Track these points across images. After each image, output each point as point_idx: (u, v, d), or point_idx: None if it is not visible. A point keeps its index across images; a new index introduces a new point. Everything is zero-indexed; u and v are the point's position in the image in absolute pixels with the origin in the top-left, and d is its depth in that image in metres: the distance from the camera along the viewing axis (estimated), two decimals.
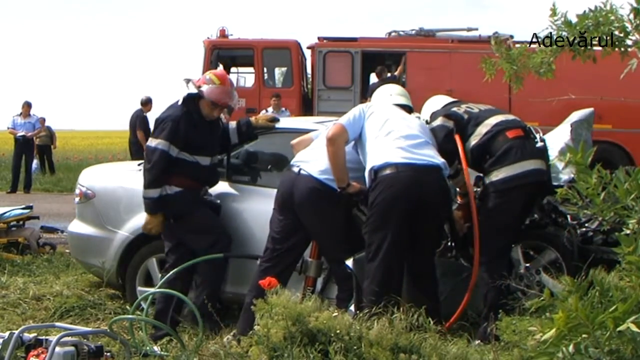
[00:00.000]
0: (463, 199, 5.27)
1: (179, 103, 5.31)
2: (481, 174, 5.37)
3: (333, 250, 4.97)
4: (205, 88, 5.27)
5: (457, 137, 5.08)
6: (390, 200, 4.56)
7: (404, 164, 4.61)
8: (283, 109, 13.42)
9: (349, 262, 4.85)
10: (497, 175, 4.93)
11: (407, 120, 5.01)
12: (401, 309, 4.01)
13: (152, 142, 5.21)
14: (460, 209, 5.27)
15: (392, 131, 4.81)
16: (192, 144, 5.26)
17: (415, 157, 4.66)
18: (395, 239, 4.55)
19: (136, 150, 13.99)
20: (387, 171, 4.60)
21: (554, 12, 4.28)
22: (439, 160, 4.74)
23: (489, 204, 4.95)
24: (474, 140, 5.08)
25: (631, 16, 3.79)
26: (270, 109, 13.35)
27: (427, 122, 5.34)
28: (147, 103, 14.74)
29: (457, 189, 5.31)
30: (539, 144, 5.09)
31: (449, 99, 5.55)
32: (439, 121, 5.17)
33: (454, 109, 5.28)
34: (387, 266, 4.54)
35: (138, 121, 14.51)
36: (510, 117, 5.27)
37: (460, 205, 5.30)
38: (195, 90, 5.28)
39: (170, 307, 5.17)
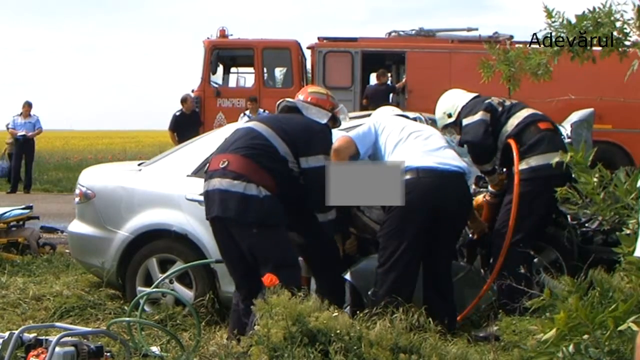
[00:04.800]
0: (493, 198, 5.20)
1: (323, 121, 4.66)
2: (482, 174, 5.36)
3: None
4: (339, 113, 4.81)
5: (512, 141, 5.02)
6: (407, 206, 4.44)
7: (425, 169, 4.54)
8: (261, 110, 12.79)
9: (347, 275, 4.79)
10: (528, 163, 4.92)
11: (422, 126, 5.00)
12: (401, 309, 4.00)
13: (324, 162, 4.49)
14: (485, 208, 5.21)
15: (412, 133, 4.76)
16: None
17: (438, 161, 4.58)
18: (411, 246, 4.49)
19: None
20: (407, 176, 4.51)
21: (549, 13, 4.28)
22: (462, 164, 4.67)
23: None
24: (506, 132, 5.09)
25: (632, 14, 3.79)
26: (247, 112, 12.86)
27: (449, 115, 5.30)
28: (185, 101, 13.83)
29: (490, 187, 5.25)
30: (567, 140, 5.17)
31: (468, 93, 5.43)
32: (479, 115, 5.12)
33: (488, 100, 5.26)
34: (400, 273, 4.47)
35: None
36: (539, 112, 5.28)
37: (487, 204, 5.24)
38: (329, 113, 4.71)
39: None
